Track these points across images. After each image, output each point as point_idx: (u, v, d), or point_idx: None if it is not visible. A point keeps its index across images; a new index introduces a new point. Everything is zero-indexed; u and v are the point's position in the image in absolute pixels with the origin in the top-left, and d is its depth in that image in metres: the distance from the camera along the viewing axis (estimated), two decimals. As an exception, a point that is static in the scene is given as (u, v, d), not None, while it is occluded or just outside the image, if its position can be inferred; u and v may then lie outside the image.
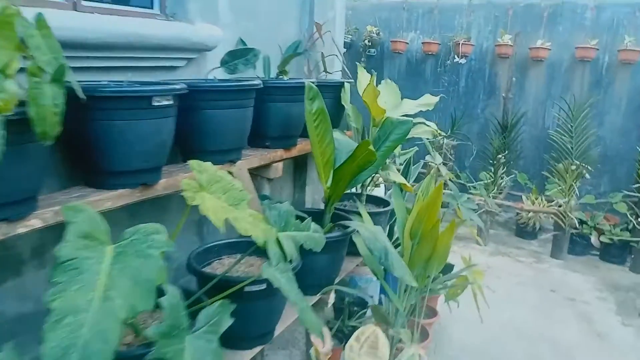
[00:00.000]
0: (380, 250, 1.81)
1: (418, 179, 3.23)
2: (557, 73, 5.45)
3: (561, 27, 5.36)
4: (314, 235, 1.51)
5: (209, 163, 1.34)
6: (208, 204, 1.23)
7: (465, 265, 2.64)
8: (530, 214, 4.87)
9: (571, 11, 5.31)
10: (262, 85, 1.86)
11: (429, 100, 2.54)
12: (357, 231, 1.97)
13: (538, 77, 5.54)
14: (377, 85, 2.76)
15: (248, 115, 1.84)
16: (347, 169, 1.90)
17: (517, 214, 5.06)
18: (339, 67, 3.03)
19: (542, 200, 4.94)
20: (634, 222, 4.40)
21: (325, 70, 2.74)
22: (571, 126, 5.20)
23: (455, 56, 5.66)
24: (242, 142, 1.87)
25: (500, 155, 5.19)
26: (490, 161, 5.28)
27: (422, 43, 5.90)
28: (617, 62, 5.10)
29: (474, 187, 5.50)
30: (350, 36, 6.22)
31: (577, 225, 4.46)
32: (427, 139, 2.63)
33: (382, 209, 2.61)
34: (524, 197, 5.09)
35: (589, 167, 5.04)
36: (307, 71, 2.64)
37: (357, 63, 2.64)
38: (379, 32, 6.12)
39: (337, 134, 2.26)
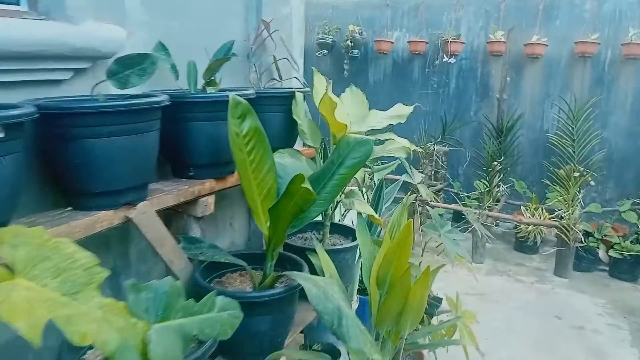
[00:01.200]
0: (332, 313, 1.36)
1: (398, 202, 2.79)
2: (555, 71, 5.00)
3: (558, 20, 4.92)
4: (220, 317, 1.07)
5: (39, 228, 0.89)
6: (17, 299, 0.78)
7: (452, 308, 2.19)
8: (530, 227, 4.42)
9: (569, 3, 4.86)
10: (168, 102, 1.41)
11: (401, 111, 2.10)
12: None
13: (535, 75, 5.10)
14: (342, 94, 2.33)
15: (150, 141, 1.40)
16: (284, 207, 1.46)
17: (516, 226, 4.61)
18: (300, 73, 2.57)
19: (542, 210, 4.49)
20: (645, 233, 3.95)
21: (278, 78, 2.29)
22: (572, 128, 4.76)
23: (444, 55, 5.22)
24: (145, 177, 1.42)
25: (495, 162, 4.74)
26: (484, 168, 4.83)
27: (408, 42, 5.46)
28: (621, 57, 4.66)
29: (468, 197, 5.05)
30: (331, 37, 5.79)
31: (583, 239, 4.01)
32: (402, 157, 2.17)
33: (350, 244, 2.16)
34: (522, 208, 4.64)
35: (593, 173, 4.59)
36: (254, 79, 2.19)
37: (313, 67, 2.18)
38: (361, 32, 5.69)
39: (284, 157, 1.82)
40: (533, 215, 4.54)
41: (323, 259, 1.82)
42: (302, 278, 1.49)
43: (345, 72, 5.78)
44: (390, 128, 2.22)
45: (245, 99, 1.52)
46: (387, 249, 1.68)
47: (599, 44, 4.69)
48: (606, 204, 4.91)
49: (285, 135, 2.07)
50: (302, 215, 1.58)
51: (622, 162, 4.86)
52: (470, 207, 4.81)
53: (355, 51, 5.78)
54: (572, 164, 4.69)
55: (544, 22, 4.93)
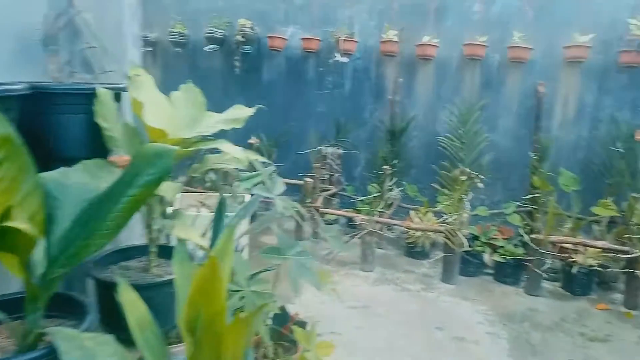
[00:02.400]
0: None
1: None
2: (446, 73, 4.96)
3: (449, 21, 4.88)
4: None
5: None
6: None
7: (302, 341, 1.91)
8: (418, 233, 4.31)
9: (459, 4, 4.84)
10: None
11: (238, 114, 1.80)
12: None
13: (427, 77, 5.03)
14: (175, 91, 1.98)
15: None
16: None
17: (406, 232, 4.49)
18: (135, 65, 2.18)
19: (431, 215, 4.41)
20: (526, 237, 3.96)
21: (94, 70, 1.89)
22: (462, 131, 4.73)
23: (338, 54, 5.01)
24: None
25: (386, 166, 4.60)
26: (375, 172, 4.68)
27: (301, 39, 5.20)
28: (508, 60, 4.69)
29: (362, 202, 4.88)
30: (221, 31, 5.40)
31: (467, 245, 3.94)
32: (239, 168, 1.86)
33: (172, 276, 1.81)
34: (412, 213, 4.54)
35: (480, 176, 4.58)
36: (56, 71, 1.78)
37: (133, 62, 1.81)
38: (253, 27, 5.34)
39: (74, 173, 1.44)
40: (423, 220, 4.45)
41: (128, 300, 1.47)
42: (62, 337, 1.12)
43: (236, 69, 5.41)
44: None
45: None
46: (197, 284, 1.36)
47: (487, 46, 4.69)
48: (494, 207, 4.94)
49: (93, 142, 1.68)
50: (72, 252, 1.22)
51: (509, 164, 4.92)
52: (363, 212, 4.64)
53: (248, 47, 5.43)
54: (462, 167, 4.66)
55: (435, 23, 4.87)
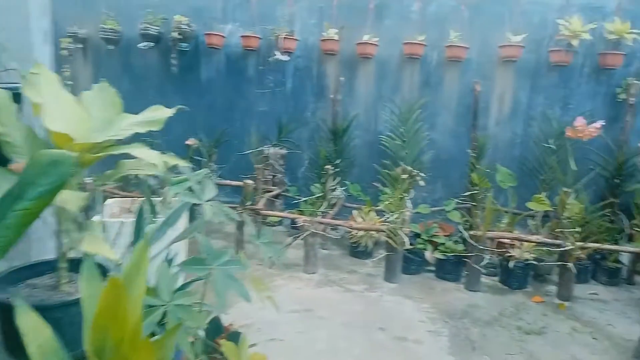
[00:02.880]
0: None
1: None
2: (387, 72, 4.97)
3: (388, 20, 4.89)
4: None
5: None
6: None
7: (231, 357, 1.81)
8: (361, 232, 4.29)
9: (398, 3, 4.85)
10: None
11: (156, 115, 1.67)
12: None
13: (368, 76, 5.02)
14: (89, 90, 1.82)
15: None
16: None
17: (349, 231, 4.46)
18: (43, 61, 2.00)
19: (373, 215, 4.40)
20: (465, 233, 4.01)
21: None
22: (403, 130, 4.75)
23: (278, 52, 4.91)
24: None
25: (328, 165, 4.55)
26: (318, 172, 4.63)
27: (240, 37, 5.06)
28: (445, 59, 4.75)
29: (305, 203, 4.81)
30: (157, 27, 5.17)
31: (408, 243, 3.95)
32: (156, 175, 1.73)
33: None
34: (354, 213, 4.51)
35: (421, 174, 4.61)
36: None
37: (37, 60, 1.65)
38: (189, 24, 5.15)
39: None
40: (366, 219, 4.43)
41: (27, 325, 1.31)
42: None
43: (173, 67, 5.20)
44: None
45: None
46: (101, 305, 1.23)
47: (426, 45, 4.73)
48: (436, 204, 5.01)
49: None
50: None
51: (449, 162, 4.99)
52: (306, 213, 4.57)
53: (185, 44, 5.24)
54: (403, 165, 4.68)
55: (375, 22, 4.87)
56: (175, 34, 5.06)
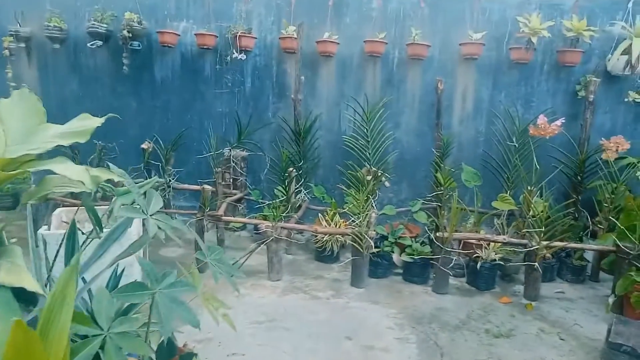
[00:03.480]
0: None
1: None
2: (348, 70, 4.85)
3: (348, 18, 4.76)
4: None
5: None
6: None
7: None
8: (326, 237, 4.16)
9: (357, 0, 4.73)
10: None
11: (84, 125, 1.46)
12: None
13: (329, 74, 4.89)
14: (7, 98, 1.61)
15: None
16: None
17: (314, 235, 4.32)
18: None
19: (338, 218, 4.27)
20: (432, 234, 3.94)
21: None
22: (366, 129, 4.65)
23: (234, 51, 4.72)
24: None
25: (291, 168, 4.40)
26: (281, 174, 4.47)
27: (195, 35, 4.83)
28: (407, 57, 4.66)
29: (268, 207, 4.64)
30: (105, 25, 4.88)
31: (374, 246, 3.85)
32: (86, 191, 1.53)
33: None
34: (319, 216, 4.38)
35: (386, 175, 4.53)
36: None
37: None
38: (141, 21, 4.89)
39: None
40: (331, 222, 4.31)
41: None
42: None
43: (125, 67, 4.93)
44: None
45: None
46: (9, 352, 1.04)
47: (387, 43, 4.63)
48: (402, 204, 4.93)
49: None
50: None
51: (413, 162, 4.92)
52: (269, 217, 4.40)
53: (136, 43, 4.97)
54: (368, 166, 4.58)
55: (334, 20, 4.74)
56: (125, 32, 4.79)
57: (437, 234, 3.81)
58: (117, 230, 1.91)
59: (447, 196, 4.28)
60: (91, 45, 4.92)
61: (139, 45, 5.01)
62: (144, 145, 4.61)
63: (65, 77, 5.25)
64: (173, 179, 5.10)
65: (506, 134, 4.59)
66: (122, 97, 5.19)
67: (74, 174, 1.25)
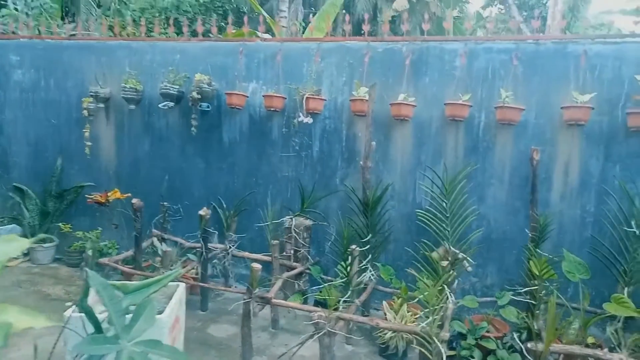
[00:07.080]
0: None
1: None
2: (426, 136, 4.31)
3: (427, 77, 4.26)
4: None
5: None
6: None
7: None
8: (389, 333, 3.52)
9: (438, 58, 4.23)
10: None
11: (9, 248, 1.08)
12: None
13: (404, 140, 4.38)
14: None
15: None
16: None
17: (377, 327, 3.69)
18: None
19: (405, 309, 3.63)
20: (521, 345, 3.15)
21: None
22: (445, 203, 4.03)
23: (301, 114, 4.39)
24: None
25: (354, 245, 3.88)
26: (345, 249, 3.96)
27: (263, 97, 4.60)
28: (496, 122, 4.02)
29: (327, 288, 4.11)
30: (177, 86, 4.83)
31: (449, 348, 3.14)
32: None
33: None
34: (384, 305, 3.76)
35: (468, 258, 3.85)
36: None
37: None
38: (211, 82, 4.76)
39: None
40: (397, 313, 3.67)
41: None
42: None
43: (193, 128, 4.80)
44: None
45: None
46: None
47: (471, 106, 4.05)
48: (487, 292, 4.17)
49: None
50: None
51: (502, 242, 4.17)
52: (328, 300, 3.86)
53: (205, 104, 4.84)
54: (446, 244, 3.93)
55: (412, 79, 4.26)
56: (194, 93, 4.68)
57: (529, 345, 3.03)
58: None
59: (544, 291, 3.49)
60: (163, 106, 4.87)
61: (208, 107, 4.87)
62: (201, 212, 4.35)
63: (138, 137, 5.25)
64: (233, 245, 4.78)
65: (622, 216, 3.72)
66: (190, 158, 5.06)
67: None
